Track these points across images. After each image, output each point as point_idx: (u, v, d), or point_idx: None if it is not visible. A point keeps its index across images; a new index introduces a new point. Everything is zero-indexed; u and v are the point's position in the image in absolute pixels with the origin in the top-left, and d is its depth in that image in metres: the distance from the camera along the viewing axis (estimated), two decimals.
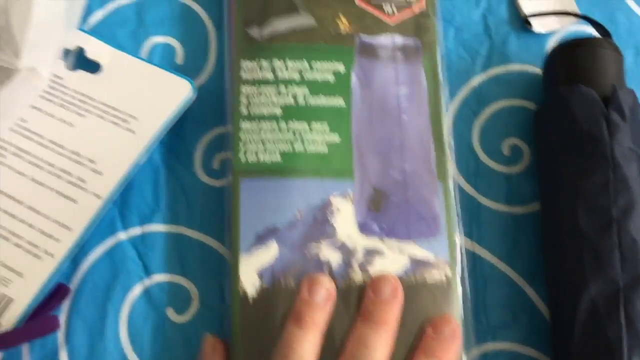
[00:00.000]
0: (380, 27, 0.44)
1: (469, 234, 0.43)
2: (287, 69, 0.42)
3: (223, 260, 0.41)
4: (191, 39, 0.46)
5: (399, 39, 0.44)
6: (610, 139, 0.38)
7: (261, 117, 0.41)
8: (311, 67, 0.42)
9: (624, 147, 0.38)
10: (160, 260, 0.41)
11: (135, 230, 0.41)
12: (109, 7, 0.47)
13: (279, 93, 0.41)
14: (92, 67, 0.44)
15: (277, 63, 0.42)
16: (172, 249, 0.41)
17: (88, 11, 0.46)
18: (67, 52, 0.44)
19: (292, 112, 0.41)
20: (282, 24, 0.43)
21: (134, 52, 0.45)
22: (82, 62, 0.44)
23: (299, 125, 0.41)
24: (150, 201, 0.42)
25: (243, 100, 0.41)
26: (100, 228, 0.40)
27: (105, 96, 0.42)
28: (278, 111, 0.41)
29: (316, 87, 0.42)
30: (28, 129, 0.41)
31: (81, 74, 0.43)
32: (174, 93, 0.42)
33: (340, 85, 0.42)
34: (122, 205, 0.42)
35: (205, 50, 0.46)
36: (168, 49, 0.46)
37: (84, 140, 0.41)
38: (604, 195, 0.38)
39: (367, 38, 0.43)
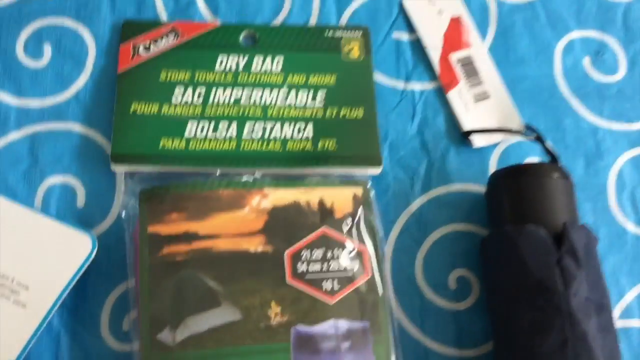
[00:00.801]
0: (319, 309, 0.36)
1: None
2: None
3: None
4: (93, 176, 0.41)
5: (343, 324, 0.36)
6: (565, 290, 0.34)
7: None
8: None
9: (581, 297, 0.34)
10: None
11: None
12: None
13: None
14: None
15: None
16: None
17: None
18: None
19: None
20: (200, 323, 0.34)
21: (28, 197, 0.40)
22: None
23: None
24: None
25: None
26: None
27: None
28: None
29: None
30: None
31: None
32: (74, 251, 0.37)
33: None
34: None
35: (110, 189, 0.41)
36: (67, 191, 0.40)
37: None
38: (562, 358, 0.33)
39: (304, 328, 0.35)
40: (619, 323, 0.40)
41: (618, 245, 0.42)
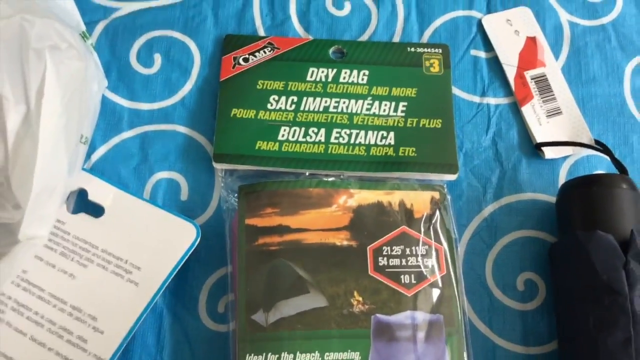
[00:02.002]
0: (397, 300, 0.39)
1: None
2: None
3: None
4: (195, 173, 0.45)
5: (419, 315, 0.39)
6: (630, 292, 0.37)
7: None
8: None
9: None
10: None
11: None
12: (112, 142, 0.46)
13: None
14: (94, 209, 0.43)
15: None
16: None
17: (90, 147, 0.45)
18: (68, 194, 0.43)
19: None
20: (290, 307, 0.39)
21: (138, 190, 0.45)
22: (84, 204, 0.43)
23: None
24: (153, 351, 0.41)
25: None
26: None
27: (108, 243, 0.41)
28: None
29: None
30: (28, 281, 0.40)
31: (83, 217, 0.42)
32: (180, 238, 0.41)
33: None
34: (124, 356, 0.40)
35: (210, 184, 0.45)
36: (173, 185, 0.45)
37: (85, 294, 0.40)
38: (626, 355, 0.36)
39: (383, 317, 0.39)
40: None
41: None
